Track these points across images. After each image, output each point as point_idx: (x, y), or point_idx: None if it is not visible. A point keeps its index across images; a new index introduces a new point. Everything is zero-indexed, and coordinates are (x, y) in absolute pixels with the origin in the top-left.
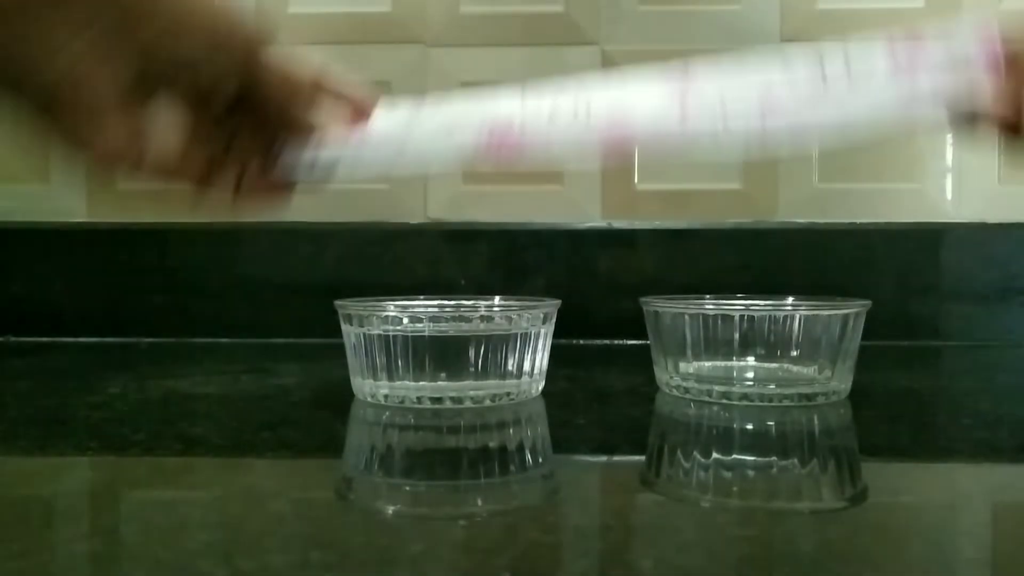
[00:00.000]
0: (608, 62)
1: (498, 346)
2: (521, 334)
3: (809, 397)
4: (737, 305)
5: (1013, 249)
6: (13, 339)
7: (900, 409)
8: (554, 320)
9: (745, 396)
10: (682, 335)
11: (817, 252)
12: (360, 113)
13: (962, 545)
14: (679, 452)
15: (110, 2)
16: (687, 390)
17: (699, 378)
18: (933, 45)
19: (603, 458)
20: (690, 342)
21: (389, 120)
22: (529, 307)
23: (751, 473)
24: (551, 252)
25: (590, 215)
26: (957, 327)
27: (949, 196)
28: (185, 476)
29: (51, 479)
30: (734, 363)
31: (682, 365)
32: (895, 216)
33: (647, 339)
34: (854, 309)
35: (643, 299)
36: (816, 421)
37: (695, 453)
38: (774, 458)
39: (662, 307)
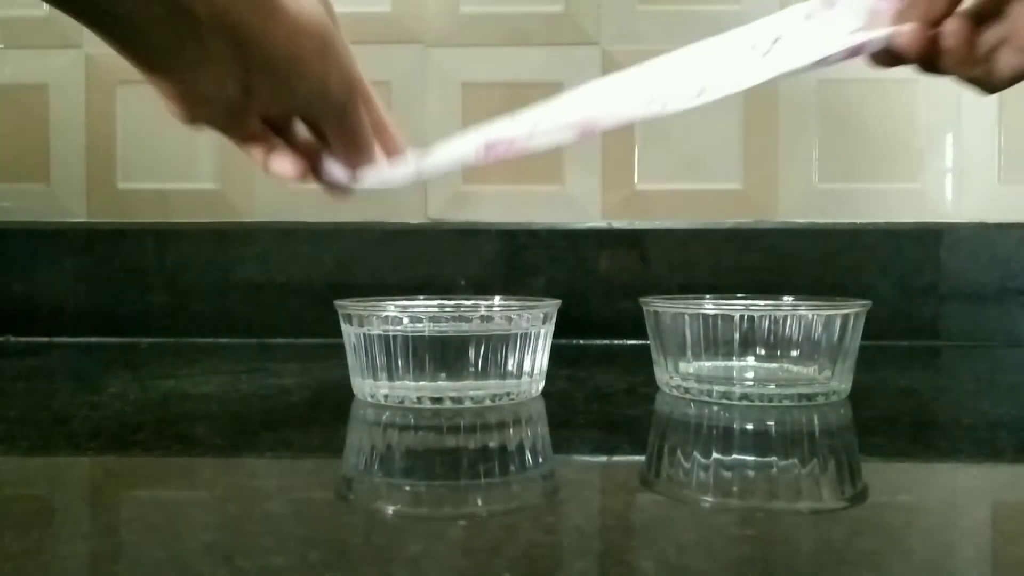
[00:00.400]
0: (608, 62)
1: (498, 346)
2: (521, 334)
3: (809, 397)
4: (737, 305)
5: (1013, 249)
6: (13, 339)
7: (900, 409)
8: (554, 320)
9: (745, 396)
10: (682, 335)
11: (817, 252)
12: (393, 149)
13: (962, 545)
14: (679, 452)
15: (267, 63)
16: (687, 390)
17: (699, 378)
18: None
19: (603, 458)
20: (690, 342)
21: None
22: (529, 307)
23: (751, 473)
24: (551, 252)
25: (590, 215)
26: (957, 327)
27: (949, 196)
28: (185, 476)
29: (51, 479)
30: (734, 363)
31: (682, 365)
32: (895, 216)
33: (647, 339)
34: (854, 309)
35: (643, 299)
36: (816, 421)
37: (695, 453)
38: (774, 458)
39: (662, 307)
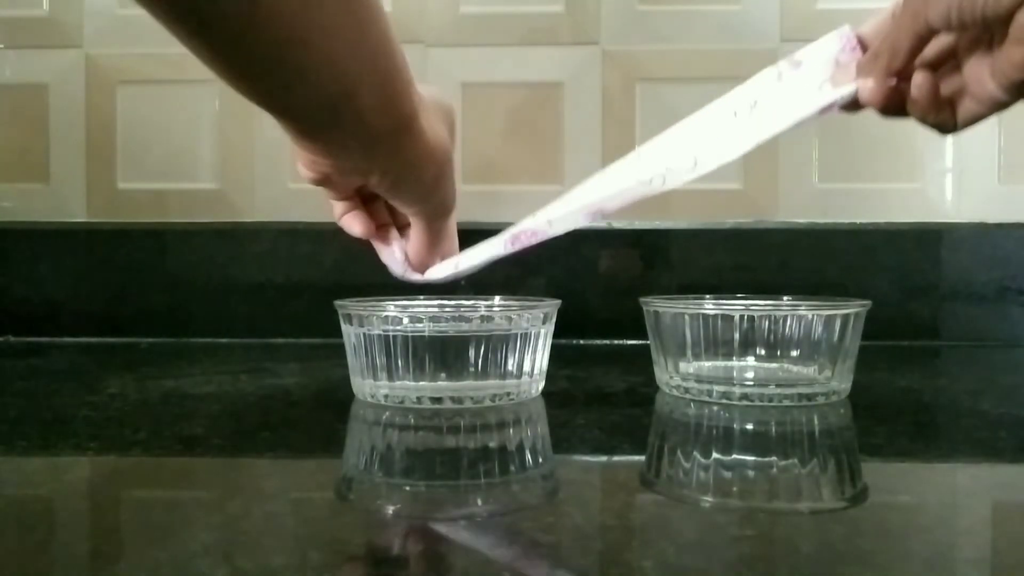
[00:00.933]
0: (608, 62)
1: (498, 346)
2: (521, 334)
3: (809, 397)
4: (737, 305)
5: (1013, 249)
6: (13, 339)
7: (900, 409)
8: (554, 320)
9: (745, 396)
10: (682, 335)
11: (817, 252)
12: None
13: (962, 545)
14: (679, 452)
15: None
16: (687, 390)
17: (699, 378)
18: (807, 52)
19: (603, 458)
20: (690, 342)
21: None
22: (529, 307)
23: (751, 473)
24: (551, 252)
25: None
26: (957, 327)
27: (949, 196)
28: (185, 476)
29: (51, 479)
30: (734, 363)
31: (682, 365)
32: (895, 216)
33: (647, 339)
34: (854, 309)
35: (643, 299)
36: (816, 421)
37: (695, 453)
38: (774, 458)
39: (662, 307)
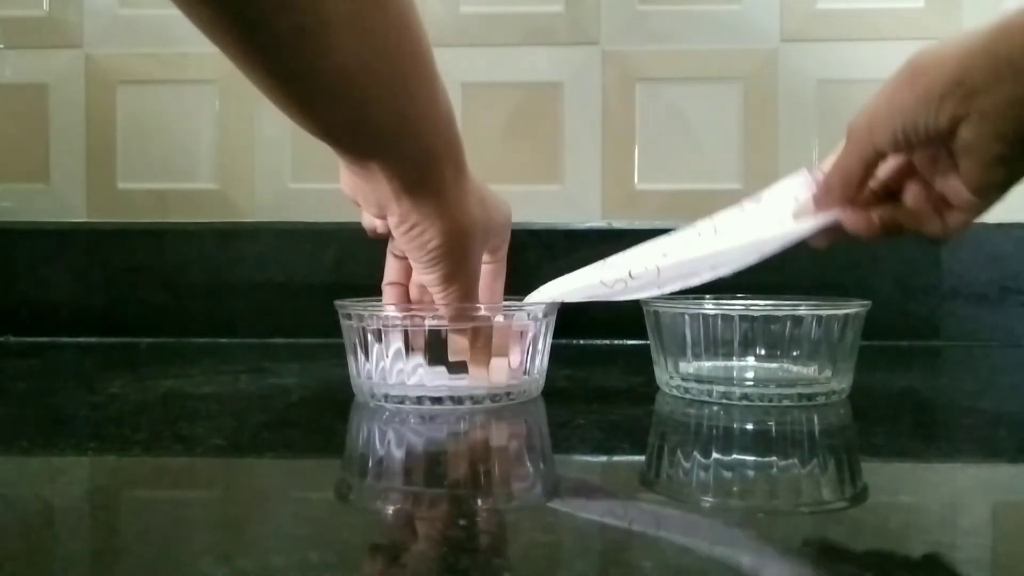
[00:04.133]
0: (608, 62)
1: None
2: (521, 334)
3: (809, 397)
4: (737, 305)
5: (1013, 249)
6: (13, 339)
7: (900, 409)
8: (554, 320)
9: (745, 396)
10: (682, 335)
11: (817, 252)
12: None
13: (962, 545)
14: (679, 452)
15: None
16: (687, 390)
17: (699, 378)
18: (769, 190)
19: (603, 458)
20: (690, 342)
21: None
22: (529, 307)
23: (751, 473)
24: (551, 252)
25: (590, 215)
26: (957, 327)
27: None
28: (185, 476)
29: (51, 479)
30: (734, 363)
31: (682, 365)
32: None
33: (647, 339)
34: (854, 309)
35: (643, 299)
36: (816, 421)
37: (695, 453)
38: (774, 458)
39: (662, 307)
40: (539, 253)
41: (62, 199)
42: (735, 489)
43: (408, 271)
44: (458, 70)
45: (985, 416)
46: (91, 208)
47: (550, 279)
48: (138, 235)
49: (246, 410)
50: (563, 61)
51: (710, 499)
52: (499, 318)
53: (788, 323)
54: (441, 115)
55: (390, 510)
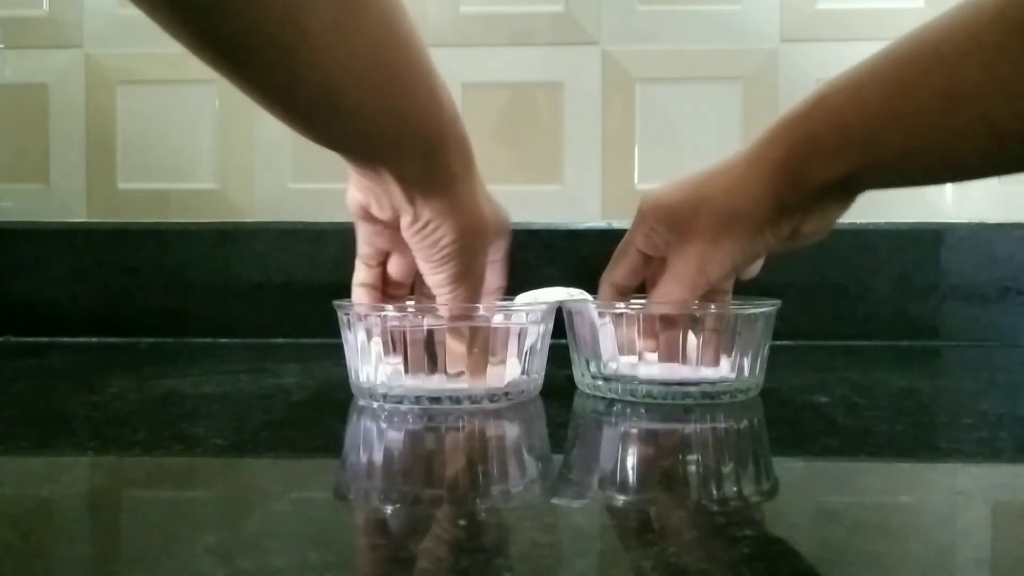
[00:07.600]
0: (608, 62)
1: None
2: (520, 333)
3: (712, 396)
4: (637, 307)
5: (1013, 249)
6: (13, 339)
7: (900, 409)
8: (553, 320)
9: (650, 395)
10: (593, 336)
11: (817, 252)
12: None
13: (962, 545)
14: (679, 452)
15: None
16: (597, 387)
17: (606, 377)
18: None
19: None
20: (602, 342)
21: None
22: (528, 307)
23: (751, 473)
24: (551, 252)
25: (590, 215)
26: (957, 327)
27: (949, 196)
28: (185, 476)
29: (51, 479)
30: (640, 362)
31: (592, 364)
32: (895, 216)
33: None
34: (762, 309)
35: (563, 301)
36: (816, 421)
37: (695, 453)
38: (774, 458)
39: (575, 308)
40: (539, 253)
41: (62, 199)
42: (735, 489)
43: (378, 278)
44: (458, 70)
45: (985, 416)
46: (91, 208)
47: (550, 279)
48: (138, 235)
49: (246, 410)
50: (563, 61)
51: (710, 499)
52: (499, 318)
53: (700, 323)
54: (444, 110)
55: (390, 510)
